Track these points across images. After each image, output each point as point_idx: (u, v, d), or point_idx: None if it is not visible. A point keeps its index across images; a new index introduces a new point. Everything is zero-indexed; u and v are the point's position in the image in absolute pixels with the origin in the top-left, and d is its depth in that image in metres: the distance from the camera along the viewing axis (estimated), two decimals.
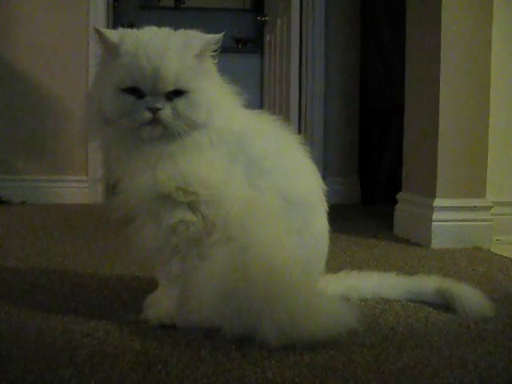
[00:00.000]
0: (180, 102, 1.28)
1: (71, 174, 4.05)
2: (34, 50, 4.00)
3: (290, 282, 1.26)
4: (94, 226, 2.93)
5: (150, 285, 1.56)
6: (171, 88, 1.26)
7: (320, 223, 1.42)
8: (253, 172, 1.34)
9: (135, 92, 1.26)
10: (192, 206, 1.31)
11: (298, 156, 1.44)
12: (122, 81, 1.26)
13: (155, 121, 1.27)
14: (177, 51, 1.27)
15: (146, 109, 1.26)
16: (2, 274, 1.86)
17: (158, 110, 1.26)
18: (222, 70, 1.39)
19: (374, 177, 4.21)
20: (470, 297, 1.51)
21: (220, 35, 1.32)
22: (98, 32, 1.29)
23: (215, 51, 1.34)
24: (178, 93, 1.27)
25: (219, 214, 1.30)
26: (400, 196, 2.85)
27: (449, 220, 2.47)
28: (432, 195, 2.50)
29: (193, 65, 1.29)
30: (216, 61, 1.35)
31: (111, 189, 1.39)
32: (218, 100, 1.33)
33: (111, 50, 1.29)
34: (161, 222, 1.32)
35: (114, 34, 1.29)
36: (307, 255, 1.37)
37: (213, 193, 1.30)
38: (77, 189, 4.03)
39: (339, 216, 3.30)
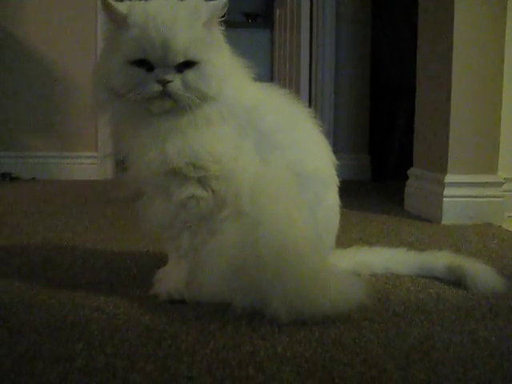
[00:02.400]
0: (190, 74, 1.26)
1: (81, 150, 4.06)
2: (42, 25, 3.98)
3: (301, 258, 1.25)
4: (104, 201, 2.93)
5: (160, 260, 1.56)
6: (181, 59, 1.24)
7: (331, 198, 1.41)
8: (263, 146, 1.33)
9: (144, 64, 1.24)
10: (202, 182, 1.30)
11: (309, 130, 1.42)
12: (130, 53, 1.24)
13: (165, 93, 1.25)
14: (186, 21, 1.25)
15: (156, 81, 1.24)
16: (13, 249, 1.87)
17: (168, 82, 1.24)
18: (232, 44, 1.37)
19: (385, 153, 4.19)
20: (481, 273, 1.50)
21: None
22: (105, 3, 1.27)
23: (222, 17, 1.31)
24: (188, 64, 1.25)
25: (230, 190, 1.29)
26: (411, 172, 2.83)
27: (460, 196, 2.45)
28: (443, 171, 2.49)
29: (202, 35, 1.27)
30: (223, 27, 1.33)
31: (120, 164, 1.38)
32: (228, 71, 1.31)
33: (119, 22, 1.27)
34: (170, 198, 1.31)
35: (122, 6, 1.27)
36: (318, 230, 1.36)
37: (223, 168, 1.29)
38: (86, 165, 4.03)
39: (349, 192, 3.27)
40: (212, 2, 1.30)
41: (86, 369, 1.00)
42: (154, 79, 1.24)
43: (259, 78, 1.39)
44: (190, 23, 1.25)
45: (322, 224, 1.37)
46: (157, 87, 1.24)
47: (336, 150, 1.50)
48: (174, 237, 1.35)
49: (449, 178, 2.46)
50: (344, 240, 1.84)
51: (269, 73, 5.80)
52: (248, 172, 1.29)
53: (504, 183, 2.50)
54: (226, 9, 1.30)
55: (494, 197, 2.47)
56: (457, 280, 1.54)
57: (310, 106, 3.96)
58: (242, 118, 1.32)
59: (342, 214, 1.45)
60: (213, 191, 1.30)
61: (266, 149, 1.32)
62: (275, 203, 1.27)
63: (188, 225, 1.33)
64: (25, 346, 1.09)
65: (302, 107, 1.43)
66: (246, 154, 1.31)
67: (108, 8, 1.27)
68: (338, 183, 1.44)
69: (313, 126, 1.42)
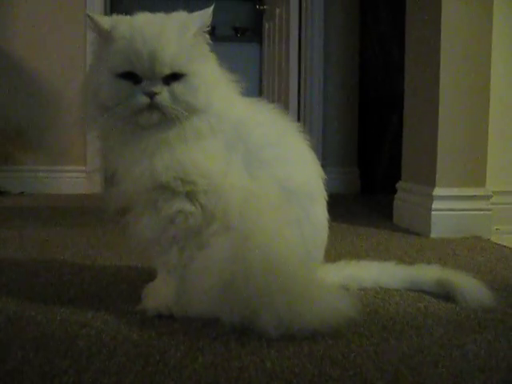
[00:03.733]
0: (178, 86, 1.26)
1: (69, 164, 4.05)
2: (31, 39, 3.98)
3: (289, 273, 1.25)
4: (93, 216, 2.92)
5: (148, 275, 1.55)
6: (168, 71, 1.24)
7: (319, 212, 1.41)
8: (252, 162, 1.33)
9: (131, 77, 1.24)
10: (190, 196, 1.30)
11: (297, 145, 1.42)
12: (117, 66, 1.24)
13: (153, 106, 1.25)
14: (173, 34, 1.25)
15: (143, 93, 1.24)
16: (0, 264, 1.86)
17: (155, 94, 1.24)
18: (221, 58, 1.37)
19: (374, 166, 4.20)
20: (470, 286, 1.50)
21: (211, 8, 1.30)
22: (90, 18, 1.27)
23: (208, 28, 1.32)
24: (175, 77, 1.25)
25: (218, 205, 1.29)
26: (399, 185, 2.84)
27: (448, 209, 2.46)
28: (431, 184, 2.49)
29: (189, 47, 1.27)
30: (211, 41, 1.34)
31: (109, 179, 1.38)
32: (215, 82, 1.32)
33: (104, 36, 1.27)
34: (159, 213, 1.31)
35: (106, 20, 1.28)
36: (306, 245, 1.36)
37: (211, 182, 1.29)
38: (75, 179, 4.02)
39: (338, 205, 3.28)
40: (198, 14, 1.30)
41: None
42: (141, 91, 1.24)
43: (248, 92, 1.40)
44: (177, 35, 1.26)
45: (309, 238, 1.37)
46: (144, 99, 1.24)
47: (325, 164, 1.51)
48: (162, 252, 1.34)
49: (437, 191, 2.47)
50: (333, 253, 1.84)
51: (258, 86, 5.81)
52: (237, 187, 1.29)
53: (492, 196, 2.51)
54: (211, 19, 1.31)
55: (482, 210, 2.48)
56: (446, 294, 1.54)
57: (298, 119, 3.99)
58: (229, 133, 1.32)
59: (330, 228, 1.45)
60: (201, 206, 1.30)
61: (254, 164, 1.32)
62: (264, 218, 1.27)
63: (176, 240, 1.32)
64: (11, 362, 1.08)
65: (289, 122, 1.43)
66: (234, 169, 1.31)
67: (93, 23, 1.27)
68: (327, 197, 1.44)
69: (301, 141, 1.43)
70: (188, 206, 1.29)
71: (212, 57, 1.35)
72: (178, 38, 1.26)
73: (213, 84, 1.31)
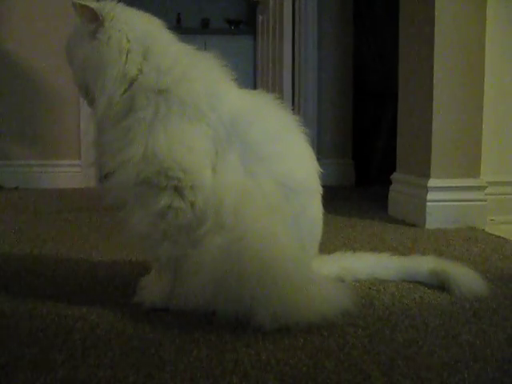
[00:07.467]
0: None
1: (64, 159, 4.03)
2: (26, 34, 3.96)
3: (284, 269, 1.23)
4: (87, 210, 2.92)
5: (143, 269, 1.55)
6: None
7: (316, 207, 1.39)
8: (250, 158, 1.29)
9: None
10: (179, 191, 1.27)
11: (296, 140, 1.39)
12: None
13: None
14: None
15: None
16: None
17: None
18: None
19: (369, 158, 4.20)
20: (465, 277, 1.51)
21: None
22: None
23: None
24: None
25: (210, 203, 1.26)
26: (394, 177, 2.84)
27: (443, 200, 2.46)
28: (426, 175, 2.50)
29: None
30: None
31: (104, 174, 1.37)
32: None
33: None
34: (148, 208, 1.29)
35: None
36: (302, 240, 1.34)
37: (196, 178, 1.27)
38: (70, 173, 4.01)
39: (333, 197, 3.29)
40: None
41: (67, 379, 0.99)
42: None
43: (242, 85, 1.38)
44: None
45: (306, 234, 1.35)
46: None
47: (320, 156, 1.49)
48: (154, 246, 1.33)
49: (432, 182, 2.47)
50: (328, 245, 1.84)
51: (252, 79, 5.81)
52: (230, 185, 1.26)
53: (487, 187, 2.51)
54: None
55: (477, 200, 2.48)
56: (441, 284, 1.54)
57: (292, 111, 3.98)
58: (220, 127, 1.30)
59: (325, 220, 1.44)
60: (190, 203, 1.28)
61: (253, 161, 1.29)
62: (259, 218, 1.24)
63: (168, 235, 1.30)
64: (6, 356, 1.08)
65: (289, 115, 1.40)
66: (227, 165, 1.28)
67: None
68: (321, 192, 1.42)
69: (300, 136, 1.39)
70: (176, 202, 1.27)
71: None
72: None
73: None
